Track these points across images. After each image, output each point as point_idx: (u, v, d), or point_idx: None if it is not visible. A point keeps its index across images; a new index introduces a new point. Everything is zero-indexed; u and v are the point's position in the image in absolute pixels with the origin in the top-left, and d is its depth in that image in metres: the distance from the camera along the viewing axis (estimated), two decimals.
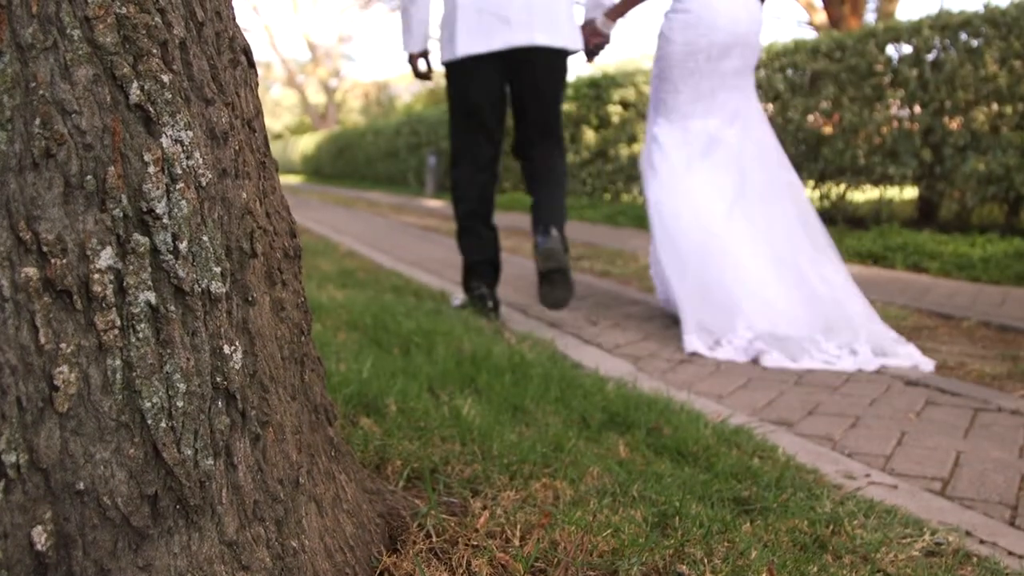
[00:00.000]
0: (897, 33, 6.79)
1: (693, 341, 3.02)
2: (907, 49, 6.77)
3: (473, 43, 3.16)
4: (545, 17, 3.17)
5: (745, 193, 3.26)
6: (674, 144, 3.34)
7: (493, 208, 3.47)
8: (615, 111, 10.25)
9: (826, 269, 3.14)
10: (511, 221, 9.38)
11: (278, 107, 44.85)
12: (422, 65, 3.49)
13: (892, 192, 7.26)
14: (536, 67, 3.24)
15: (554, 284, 3.21)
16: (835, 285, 3.10)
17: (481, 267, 3.43)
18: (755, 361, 2.87)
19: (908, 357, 2.86)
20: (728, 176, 3.28)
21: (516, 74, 3.28)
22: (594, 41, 3.45)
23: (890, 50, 6.91)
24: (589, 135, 10.79)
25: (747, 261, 3.12)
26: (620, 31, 4.60)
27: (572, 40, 3.27)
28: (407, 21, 3.40)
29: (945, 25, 6.41)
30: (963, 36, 6.32)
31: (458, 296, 3.70)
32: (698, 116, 3.34)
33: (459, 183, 3.44)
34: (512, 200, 11.88)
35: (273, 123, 43.60)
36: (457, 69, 3.27)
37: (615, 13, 3.41)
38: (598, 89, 10.70)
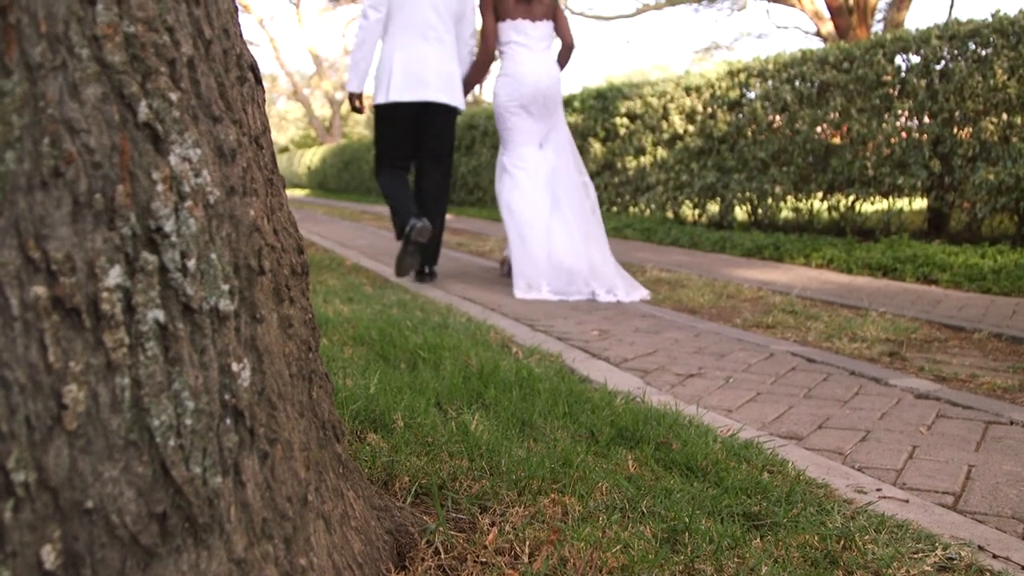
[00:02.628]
0: (905, 43, 6.79)
1: (521, 290, 4.63)
2: (915, 59, 6.77)
3: (402, 94, 4.66)
4: (448, 84, 4.77)
5: (559, 195, 4.87)
6: (513, 165, 4.94)
7: (409, 190, 4.96)
8: (622, 123, 10.25)
9: (598, 245, 4.80)
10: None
11: (283, 120, 45.02)
12: (356, 101, 4.95)
13: (901, 203, 7.25)
14: (439, 116, 4.84)
15: (408, 253, 4.75)
16: (601, 257, 4.76)
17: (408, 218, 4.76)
18: (562, 298, 4.57)
19: (627, 294, 4.59)
20: (548, 183, 4.90)
21: (423, 119, 4.84)
22: None
23: (898, 60, 6.91)
24: (596, 147, 10.79)
25: (557, 240, 4.74)
26: (469, 99, 5.36)
27: (461, 102, 4.88)
28: (355, 68, 4.83)
29: (953, 35, 6.41)
30: (972, 46, 6.31)
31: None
32: (524, 144, 4.96)
33: (385, 183, 4.91)
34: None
35: (278, 136, 43.77)
36: (387, 108, 4.77)
37: (465, 90, 5.04)
38: (604, 101, 10.71)
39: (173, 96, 0.86)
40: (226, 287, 0.90)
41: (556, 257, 4.69)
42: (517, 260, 4.73)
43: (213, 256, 0.89)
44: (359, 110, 4.98)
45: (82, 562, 0.78)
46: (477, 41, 5.06)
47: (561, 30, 5.03)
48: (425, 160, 4.96)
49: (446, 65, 4.75)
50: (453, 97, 4.78)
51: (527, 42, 4.88)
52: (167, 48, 0.86)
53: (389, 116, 4.80)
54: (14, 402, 0.74)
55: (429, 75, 4.66)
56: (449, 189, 5.03)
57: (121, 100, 0.82)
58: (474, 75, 5.03)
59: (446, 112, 4.85)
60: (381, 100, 4.70)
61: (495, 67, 5.20)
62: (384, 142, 4.90)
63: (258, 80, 1.08)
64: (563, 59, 5.11)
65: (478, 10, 4.99)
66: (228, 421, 0.90)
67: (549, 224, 4.76)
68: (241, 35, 1.06)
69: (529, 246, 4.71)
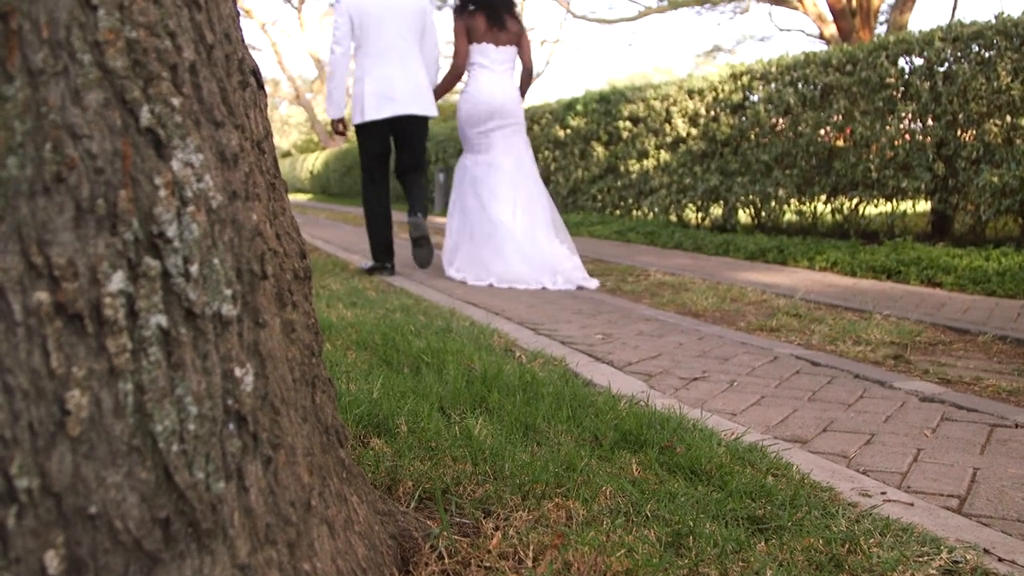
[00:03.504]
0: (908, 45, 6.78)
1: (454, 274, 5.48)
2: (919, 61, 6.76)
3: (375, 113, 5.37)
4: (415, 96, 5.43)
5: (517, 196, 5.58)
6: (471, 167, 5.72)
7: (389, 204, 5.76)
8: (625, 126, 10.26)
9: (554, 242, 5.51)
10: None
11: (286, 125, 45.03)
12: (338, 126, 5.74)
13: (905, 206, 7.24)
14: (410, 125, 5.55)
15: (421, 247, 5.66)
16: (558, 253, 5.44)
17: (382, 246, 5.71)
18: (490, 286, 5.30)
19: (585, 283, 5.27)
20: (506, 188, 5.59)
21: (397, 129, 5.57)
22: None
23: (902, 63, 6.90)
24: (599, 150, 10.79)
25: (513, 240, 5.43)
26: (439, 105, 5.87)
27: (430, 109, 5.53)
28: (330, 98, 5.66)
29: (957, 37, 6.39)
30: (975, 47, 6.30)
31: (367, 262, 5.93)
32: (482, 152, 5.70)
33: (367, 194, 5.73)
34: None
35: (281, 141, 43.76)
36: (365, 127, 5.51)
37: (435, 99, 5.69)
38: (607, 104, 10.71)
39: (175, 101, 0.86)
40: (228, 292, 0.90)
41: (504, 249, 5.44)
42: (450, 246, 5.68)
43: (215, 261, 0.89)
44: (341, 133, 5.85)
45: (85, 568, 0.78)
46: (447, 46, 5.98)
47: (524, 56, 5.82)
48: (404, 168, 5.76)
49: (411, 79, 5.45)
50: (421, 107, 5.46)
51: (489, 64, 5.67)
52: (169, 53, 0.86)
53: (368, 133, 5.56)
54: (17, 408, 0.74)
55: (396, 92, 5.38)
56: (426, 181, 5.96)
57: (123, 105, 0.82)
58: (443, 87, 5.82)
59: (417, 120, 5.57)
60: (359, 121, 5.45)
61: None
62: (367, 156, 5.67)
63: (260, 85, 1.09)
64: (524, 82, 5.92)
65: (436, 25, 5.78)
66: (231, 426, 0.90)
67: (507, 221, 5.51)
68: (243, 40, 1.06)
69: (469, 236, 5.56)
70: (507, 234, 5.44)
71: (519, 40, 5.74)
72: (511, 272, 5.31)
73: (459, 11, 5.68)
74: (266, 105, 1.10)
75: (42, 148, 0.76)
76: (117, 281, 0.80)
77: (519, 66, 5.86)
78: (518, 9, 5.82)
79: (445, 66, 5.96)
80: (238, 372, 0.91)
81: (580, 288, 5.18)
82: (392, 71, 5.39)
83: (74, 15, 0.79)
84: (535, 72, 6.00)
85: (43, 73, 0.77)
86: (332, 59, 5.50)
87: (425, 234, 5.58)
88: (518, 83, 5.85)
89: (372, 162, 5.68)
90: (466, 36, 5.63)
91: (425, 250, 5.68)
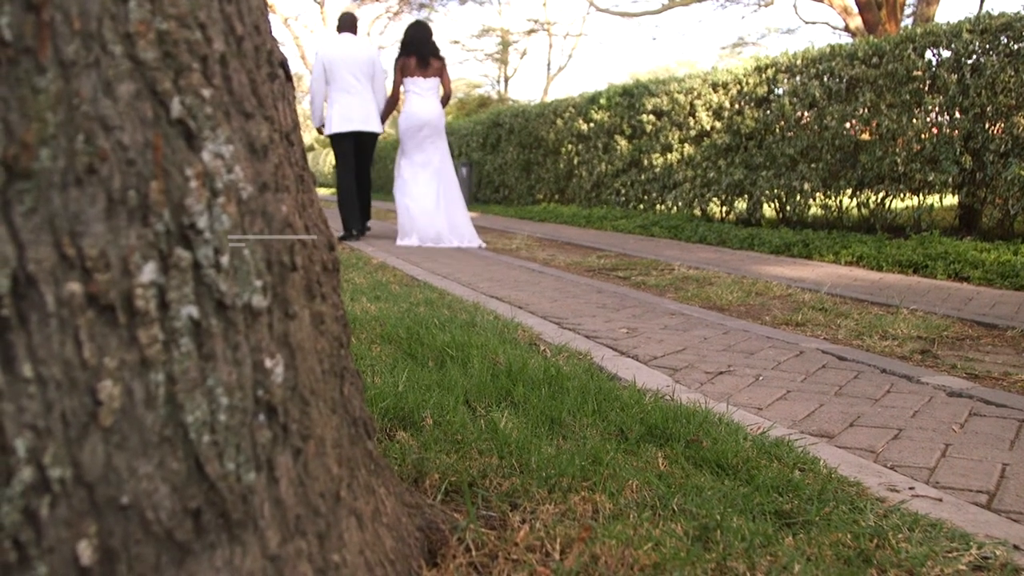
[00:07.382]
0: (935, 38, 6.70)
1: (401, 241, 7.76)
2: (946, 54, 6.68)
3: (340, 127, 7.92)
4: (366, 118, 7.94)
5: (440, 183, 7.87)
6: (407, 166, 7.97)
7: (355, 187, 8.19)
8: (648, 120, 10.21)
9: (462, 217, 7.88)
10: (547, 231, 9.35)
11: (308, 119, 45.11)
12: (319, 132, 8.15)
13: (932, 200, 7.16)
14: (363, 137, 8.11)
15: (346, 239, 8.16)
16: (464, 224, 7.85)
17: (352, 219, 8.16)
18: (431, 246, 7.67)
19: (480, 245, 7.75)
20: (433, 180, 7.89)
21: (356, 142, 8.08)
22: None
23: (929, 55, 6.82)
24: (622, 144, 10.75)
25: (437, 215, 7.75)
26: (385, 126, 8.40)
27: (377, 128, 7.99)
28: (312, 113, 8.16)
29: (985, 29, 6.31)
30: (1004, 39, 6.22)
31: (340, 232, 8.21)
32: (416, 153, 7.96)
33: (340, 184, 8.17)
34: (545, 211, 11.86)
35: (304, 135, 43.76)
36: (335, 137, 8.03)
37: (382, 119, 8.11)
38: (631, 98, 10.67)
39: (206, 92, 0.86)
40: (259, 283, 0.90)
41: (431, 220, 7.71)
42: (403, 223, 7.85)
43: (246, 252, 0.89)
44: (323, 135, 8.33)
45: (118, 558, 0.78)
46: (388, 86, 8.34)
47: (444, 84, 8.14)
48: (359, 168, 8.25)
49: (365, 107, 7.95)
50: (371, 126, 7.98)
51: (419, 91, 7.95)
52: (199, 45, 0.86)
53: (337, 140, 8.07)
54: (50, 398, 0.74)
55: (354, 114, 7.90)
56: (371, 181, 8.48)
57: (154, 97, 0.82)
58: (387, 110, 8.20)
59: (368, 136, 8.12)
60: (328, 131, 7.99)
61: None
62: (339, 155, 8.18)
63: (288, 77, 1.09)
64: (444, 101, 8.19)
65: (388, 70, 8.35)
66: (261, 417, 0.90)
67: (432, 201, 7.77)
68: (271, 32, 1.06)
69: (412, 214, 7.75)
70: (433, 211, 7.74)
71: (440, 73, 8.05)
72: (433, 237, 7.66)
73: (398, 56, 7.99)
74: (294, 97, 1.10)
75: (74, 139, 0.77)
76: (148, 272, 0.81)
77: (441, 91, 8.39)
78: (441, 52, 8.14)
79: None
80: (268, 363, 0.91)
81: (467, 246, 7.63)
82: (351, 100, 7.90)
83: (105, 7, 0.79)
84: (452, 96, 8.74)
85: (75, 65, 0.77)
86: (312, 89, 8.06)
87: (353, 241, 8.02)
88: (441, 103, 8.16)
89: (342, 159, 8.14)
90: (400, 72, 7.98)
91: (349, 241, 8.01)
